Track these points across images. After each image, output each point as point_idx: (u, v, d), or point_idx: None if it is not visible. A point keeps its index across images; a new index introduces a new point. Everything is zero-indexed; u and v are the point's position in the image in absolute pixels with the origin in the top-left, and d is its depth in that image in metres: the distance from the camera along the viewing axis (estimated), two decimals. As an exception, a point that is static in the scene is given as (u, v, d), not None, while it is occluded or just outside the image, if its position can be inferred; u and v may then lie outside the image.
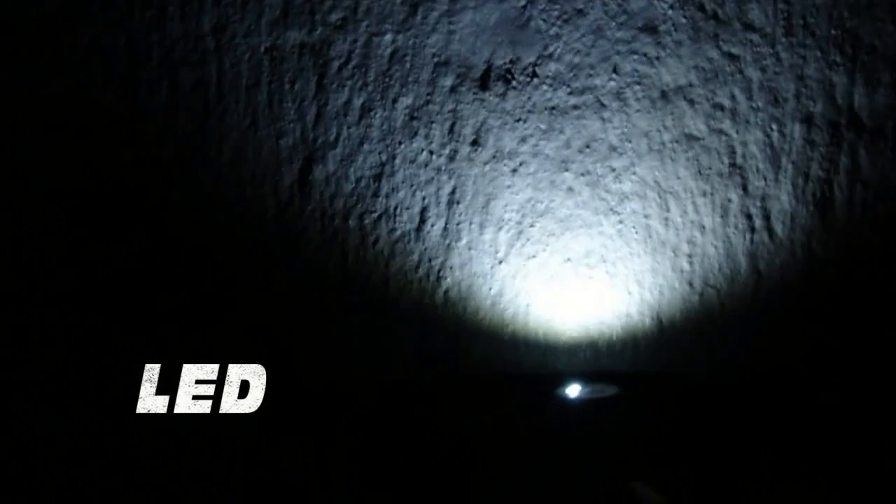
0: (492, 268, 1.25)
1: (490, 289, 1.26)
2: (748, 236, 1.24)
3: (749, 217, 1.24)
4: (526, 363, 1.27)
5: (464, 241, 1.24)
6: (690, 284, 1.26)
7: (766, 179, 1.23)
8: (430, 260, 1.24)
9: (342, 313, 1.26)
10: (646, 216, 1.24)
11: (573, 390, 1.20)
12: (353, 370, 1.25)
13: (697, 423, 1.25)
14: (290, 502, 1.17)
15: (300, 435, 1.23)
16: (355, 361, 1.26)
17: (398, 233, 1.24)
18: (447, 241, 1.23)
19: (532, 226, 1.24)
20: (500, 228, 1.24)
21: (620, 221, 1.24)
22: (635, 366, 1.23)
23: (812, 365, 1.25)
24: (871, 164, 1.23)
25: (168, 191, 1.24)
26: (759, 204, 1.23)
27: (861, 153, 1.22)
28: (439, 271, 1.25)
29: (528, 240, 1.24)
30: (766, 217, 1.24)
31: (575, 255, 1.25)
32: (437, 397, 1.26)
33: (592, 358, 1.28)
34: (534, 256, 1.24)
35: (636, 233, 1.24)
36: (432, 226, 1.23)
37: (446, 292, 1.26)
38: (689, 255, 1.25)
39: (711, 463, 1.24)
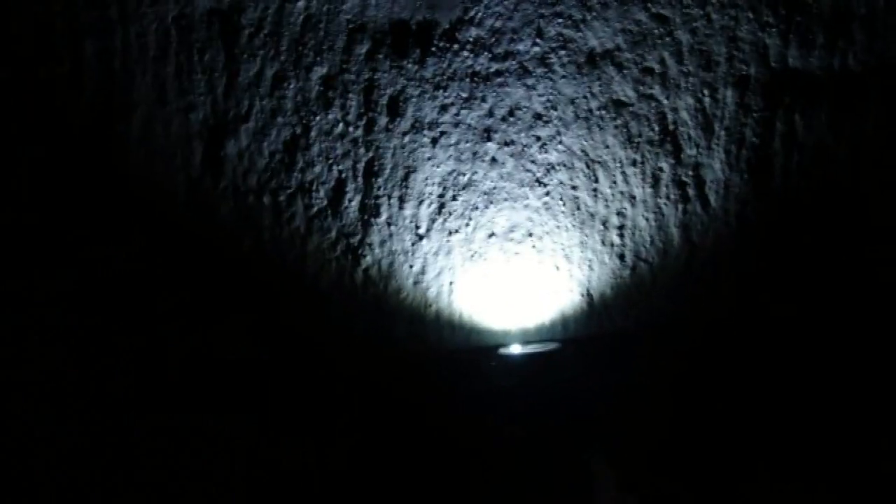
0: (413, 244, 1.21)
1: (412, 266, 1.22)
2: (681, 207, 1.21)
3: (681, 187, 1.21)
4: (451, 343, 1.24)
5: (383, 217, 1.20)
6: (621, 258, 1.23)
7: (698, 147, 1.20)
8: (347, 237, 1.20)
9: (258, 294, 1.22)
10: (573, 188, 1.21)
11: (514, 348, 1.17)
12: (270, 353, 1.21)
13: (639, 380, 1.22)
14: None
15: (222, 413, 1.19)
16: (272, 344, 1.22)
17: (314, 209, 1.20)
18: (365, 217, 1.20)
19: (454, 199, 1.21)
20: (421, 203, 1.21)
21: (547, 193, 1.21)
22: (564, 344, 1.20)
23: (746, 338, 1.22)
24: (807, 128, 1.20)
25: (73, 167, 1.19)
26: (691, 173, 1.20)
27: (796, 118, 1.19)
28: (358, 249, 1.21)
29: (450, 214, 1.20)
30: (700, 186, 1.21)
31: (500, 230, 1.21)
32: (360, 378, 1.23)
33: (520, 337, 1.25)
34: (457, 231, 1.21)
35: (563, 205, 1.21)
36: (350, 201, 1.20)
37: (366, 271, 1.22)
38: (620, 228, 1.22)
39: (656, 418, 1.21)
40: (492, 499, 1.16)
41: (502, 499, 1.12)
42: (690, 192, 1.20)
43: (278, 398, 1.21)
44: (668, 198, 1.20)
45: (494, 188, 1.21)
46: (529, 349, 1.15)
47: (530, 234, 1.22)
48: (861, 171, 1.18)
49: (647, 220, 1.21)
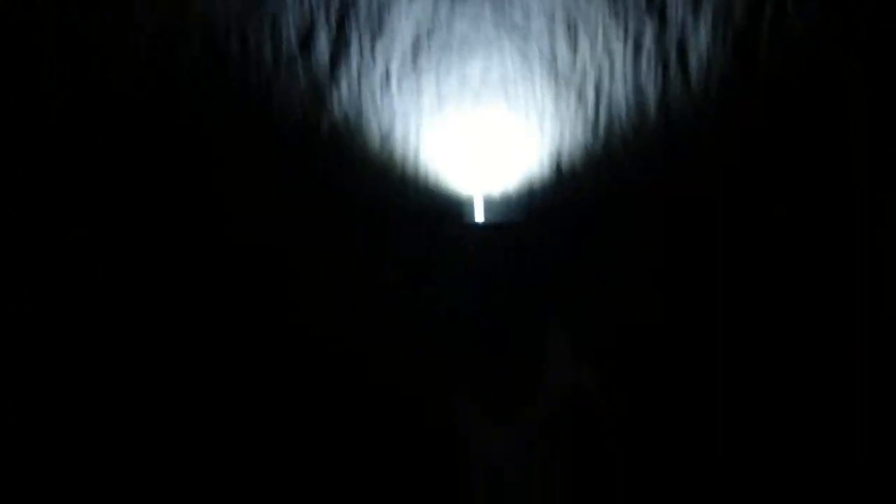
0: (383, 95, 1.18)
1: (380, 124, 1.19)
2: (661, 81, 1.18)
3: (664, 58, 1.18)
4: (414, 206, 1.21)
5: (354, 66, 1.17)
6: (594, 127, 1.20)
7: (684, 21, 1.17)
8: (316, 87, 1.17)
9: (214, 142, 1.18)
10: (552, 45, 1.18)
11: (478, 215, 1.15)
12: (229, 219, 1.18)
13: (606, 253, 1.20)
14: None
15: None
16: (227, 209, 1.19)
17: (284, 55, 1.17)
18: (335, 67, 1.16)
19: (429, 48, 1.17)
20: (392, 55, 1.17)
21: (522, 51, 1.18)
22: (530, 215, 1.18)
23: (718, 220, 1.20)
24: (798, 15, 1.17)
25: None
26: (675, 46, 1.17)
27: (788, 2, 1.16)
28: (325, 99, 1.18)
29: (422, 61, 1.17)
30: (682, 61, 1.18)
31: (473, 78, 1.18)
32: (314, 235, 1.20)
33: (486, 203, 1.22)
34: (427, 82, 1.17)
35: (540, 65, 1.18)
36: (319, 48, 1.16)
37: (333, 125, 1.19)
38: (596, 89, 1.19)
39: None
40: (442, 365, 1.14)
41: (454, 365, 1.09)
42: (672, 66, 1.17)
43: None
44: (648, 67, 1.17)
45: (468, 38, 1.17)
46: (494, 217, 1.13)
47: (504, 91, 1.19)
48: (847, 67, 1.14)
49: (625, 89, 1.18)
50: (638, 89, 1.16)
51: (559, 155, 1.18)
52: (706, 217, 1.19)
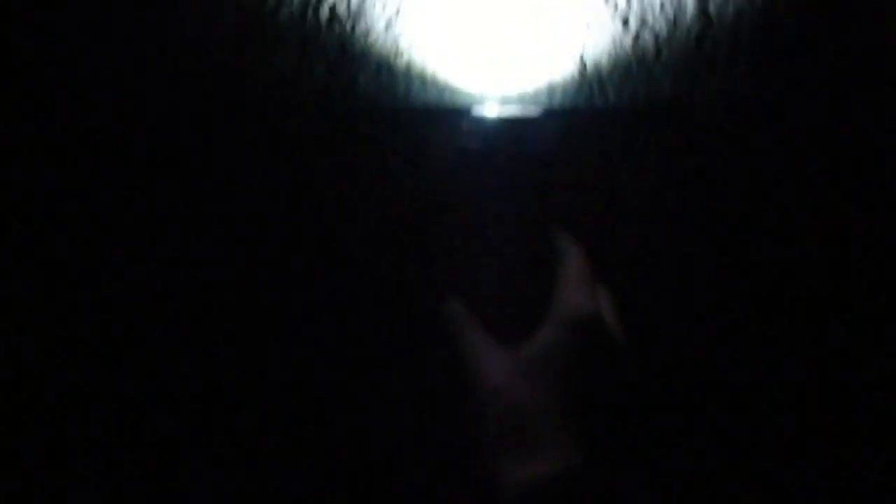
0: None
1: (385, 6, 1.08)
2: None
3: None
4: (420, 99, 1.11)
5: None
6: (624, 23, 1.08)
7: None
8: None
9: (208, 23, 1.08)
10: None
11: (489, 109, 1.03)
12: (214, 89, 1.09)
13: (626, 164, 1.10)
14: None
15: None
16: (216, 80, 1.09)
17: None
18: None
19: None
20: None
21: None
22: (549, 111, 1.07)
23: (754, 136, 1.10)
24: None
25: None
26: None
27: None
28: None
29: None
30: None
31: None
32: (315, 129, 1.10)
33: (498, 100, 1.12)
34: None
35: None
36: None
37: (333, 7, 1.08)
38: None
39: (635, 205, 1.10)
40: (440, 269, 1.06)
41: (453, 271, 1.01)
42: None
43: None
44: None
45: None
46: (506, 112, 1.02)
47: None
48: None
49: None
50: None
51: (583, 50, 1.06)
52: (742, 139, 1.09)
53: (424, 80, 1.07)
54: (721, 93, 1.06)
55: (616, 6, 1.04)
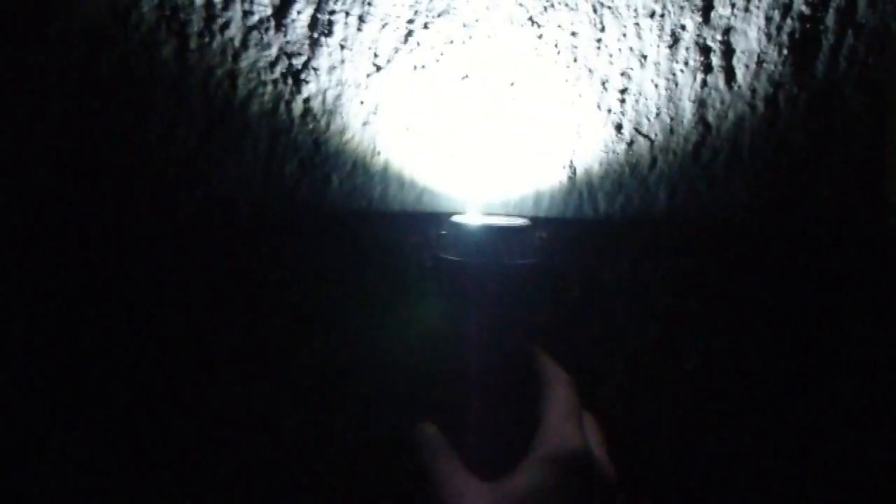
0: (368, 76, 1.01)
1: (362, 103, 1.02)
2: (700, 77, 1.00)
3: (705, 52, 1.00)
4: (397, 202, 1.04)
5: (336, 38, 1.00)
6: (618, 129, 1.02)
7: (734, 6, 0.99)
8: (290, 57, 1.00)
9: (174, 113, 1.02)
10: (573, 34, 1.00)
11: (470, 217, 0.95)
12: (180, 191, 1.02)
13: (615, 278, 1.03)
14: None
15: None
16: (183, 179, 1.03)
17: (254, 18, 1.00)
18: (315, 35, 0.99)
19: (426, 27, 1.00)
20: (386, 25, 0.99)
21: (540, 36, 1.00)
22: (535, 220, 1.00)
23: (753, 251, 1.03)
24: (871, 4, 0.99)
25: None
26: (719, 37, 0.99)
27: None
28: (301, 73, 1.01)
29: (418, 45, 1.00)
30: (727, 55, 1.00)
31: (476, 72, 1.01)
32: (281, 231, 1.03)
33: (481, 206, 1.05)
34: (423, 67, 1.00)
35: (558, 53, 1.00)
36: (298, 13, 0.99)
37: (307, 101, 1.02)
38: (622, 92, 1.01)
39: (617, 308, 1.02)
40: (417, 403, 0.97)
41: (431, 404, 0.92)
42: (715, 60, 0.99)
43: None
44: (686, 63, 0.99)
45: (478, 20, 1.00)
46: (489, 221, 0.95)
47: (512, 83, 1.01)
48: None
49: (656, 86, 1.00)
50: (671, 86, 0.98)
51: (573, 156, 1.00)
52: (741, 257, 1.02)
53: (402, 183, 1.00)
54: (718, 205, 0.99)
55: (609, 111, 0.98)
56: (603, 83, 1.00)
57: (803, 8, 0.99)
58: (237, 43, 0.97)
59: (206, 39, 0.97)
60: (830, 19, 0.99)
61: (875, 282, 1.01)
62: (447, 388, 0.88)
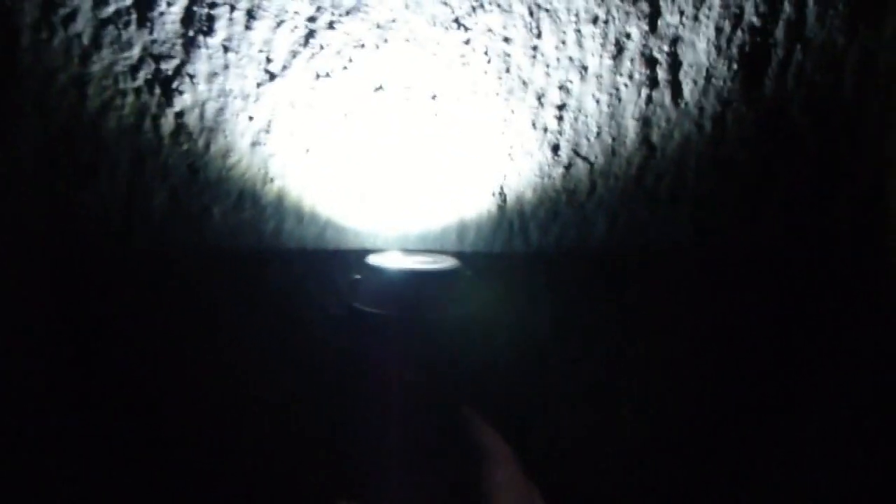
0: (259, 86, 0.83)
1: (252, 118, 0.84)
2: (644, 93, 0.89)
3: (651, 65, 0.89)
4: (296, 239, 0.87)
5: (218, 37, 0.81)
6: (554, 150, 0.90)
7: (682, 15, 0.88)
8: (158, 60, 0.80)
9: (8, 133, 0.80)
10: (506, 39, 0.86)
11: (389, 258, 0.79)
12: (24, 225, 0.80)
13: (551, 320, 0.91)
14: None
15: None
16: (27, 215, 0.81)
17: (109, 9, 0.79)
18: (190, 34, 0.80)
19: (332, 27, 0.83)
20: (281, 24, 0.82)
21: (467, 42, 0.85)
22: (460, 257, 0.86)
23: (701, 281, 0.94)
24: (819, 19, 0.91)
25: None
26: (666, 48, 0.89)
27: (810, 2, 0.90)
28: (172, 81, 0.81)
29: (321, 48, 0.83)
30: (674, 68, 0.89)
31: (392, 82, 0.85)
32: (149, 276, 0.84)
33: (398, 242, 0.90)
34: (327, 75, 0.83)
35: (488, 61, 0.86)
36: (168, 4, 0.79)
37: (181, 116, 0.82)
38: (559, 108, 0.88)
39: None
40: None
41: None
42: (661, 74, 0.89)
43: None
44: (630, 77, 0.88)
45: (394, 21, 0.84)
46: (411, 263, 0.80)
47: (433, 97, 0.86)
48: (872, 100, 0.90)
49: (597, 102, 0.89)
50: (614, 102, 0.87)
51: (503, 182, 0.87)
52: (690, 288, 0.92)
53: (300, 216, 0.84)
54: (662, 235, 0.89)
55: (545, 129, 0.85)
56: (539, 97, 0.87)
57: (754, 19, 0.89)
58: (86, 40, 0.77)
59: (44, 35, 0.76)
60: (780, 32, 0.90)
61: (825, 304, 0.95)
62: (366, 463, 0.75)
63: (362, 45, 0.83)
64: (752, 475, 0.95)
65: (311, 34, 0.83)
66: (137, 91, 0.81)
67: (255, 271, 0.85)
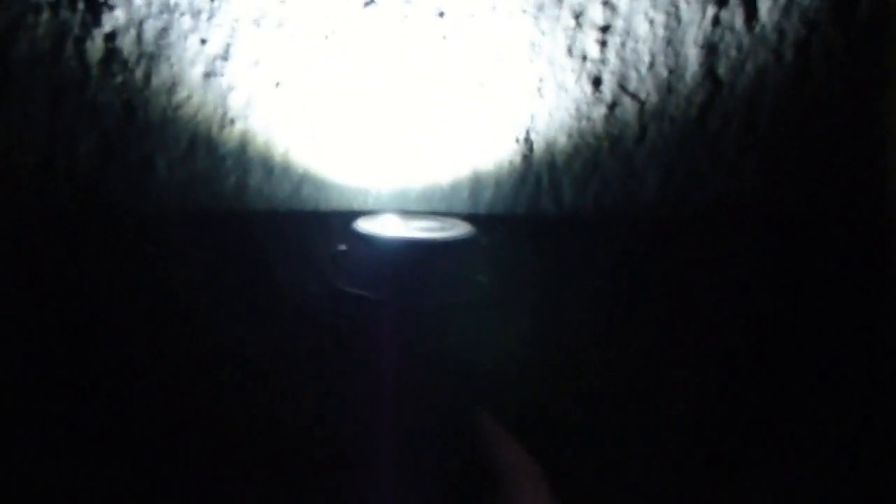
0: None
1: (204, 41, 0.65)
2: (711, 12, 0.71)
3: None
4: (266, 198, 0.69)
5: None
6: (595, 84, 0.72)
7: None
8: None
9: None
10: None
11: (384, 222, 0.63)
12: None
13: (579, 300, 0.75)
14: None
15: None
16: None
17: None
18: None
19: None
20: None
21: None
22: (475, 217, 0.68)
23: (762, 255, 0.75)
24: None
25: None
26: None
27: None
28: None
29: None
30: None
31: None
32: (79, 240, 0.66)
33: (396, 201, 0.72)
34: None
35: None
36: None
37: (111, 39, 0.64)
38: (603, 30, 0.69)
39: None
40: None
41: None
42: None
43: None
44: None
45: None
46: (411, 227, 0.62)
47: (440, 13, 0.67)
48: None
49: (651, 23, 0.70)
50: (673, 23, 0.68)
51: (530, 125, 0.69)
52: (754, 248, 0.74)
53: (270, 168, 0.65)
54: (727, 194, 0.70)
55: (584, 58, 0.66)
56: (576, 16, 0.68)
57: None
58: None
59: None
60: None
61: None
62: (357, 480, 0.62)
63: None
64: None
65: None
66: (54, 5, 0.62)
67: (211, 239, 0.67)
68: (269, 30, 0.66)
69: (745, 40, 0.73)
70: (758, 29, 0.73)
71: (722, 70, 0.73)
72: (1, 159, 0.66)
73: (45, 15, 0.65)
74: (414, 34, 0.67)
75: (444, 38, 0.68)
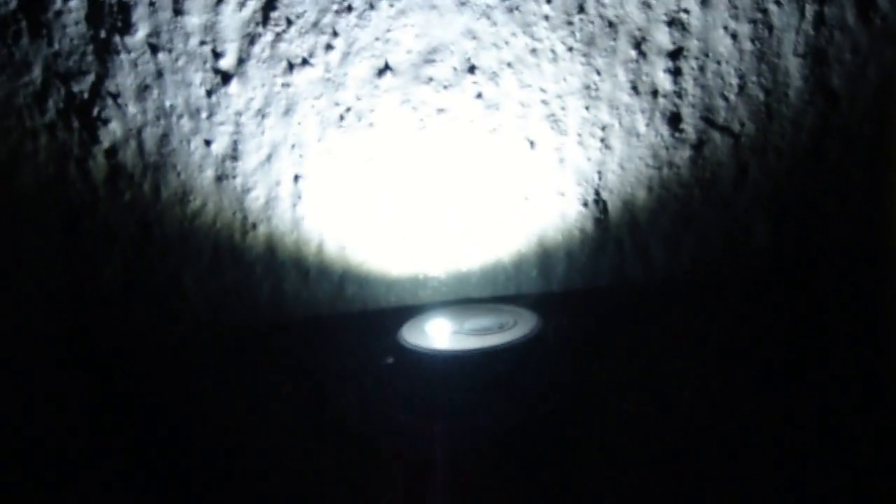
0: (210, 92, 0.57)
1: (209, 142, 0.58)
2: (812, 8, 0.56)
3: None
4: (298, 306, 0.61)
5: (140, 33, 0.55)
6: (674, 122, 0.58)
7: None
8: (67, 79, 0.56)
9: None
10: None
11: (435, 329, 0.56)
12: None
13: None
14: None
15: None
16: None
17: None
18: (100, 34, 0.55)
19: None
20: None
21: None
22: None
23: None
24: None
25: None
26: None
27: None
28: (91, 105, 0.57)
29: (289, 24, 0.55)
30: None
31: (403, 59, 0.56)
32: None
33: (451, 287, 0.62)
34: (308, 62, 0.56)
35: (548, 1, 0.55)
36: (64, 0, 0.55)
37: (112, 154, 0.58)
38: (673, 56, 0.57)
39: None
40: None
41: None
42: None
43: None
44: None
45: None
46: (467, 329, 0.54)
47: (472, 69, 0.57)
48: None
49: (733, 37, 0.56)
50: (764, 32, 0.53)
51: (598, 184, 0.57)
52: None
53: (305, 270, 0.57)
54: (856, 233, 0.56)
55: (655, 92, 0.53)
56: (636, 44, 0.55)
57: None
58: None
59: None
60: None
61: None
62: None
63: (348, 8, 0.54)
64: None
65: (270, 5, 0.55)
66: (50, 127, 0.56)
67: (252, 355, 0.60)
68: (277, 119, 0.58)
69: (863, 39, 0.58)
70: (878, 22, 0.58)
71: (836, 81, 0.59)
72: (19, 290, 0.61)
73: (44, 139, 0.60)
74: (443, 96, 0.57)
75: (479, 95, 0.57)
